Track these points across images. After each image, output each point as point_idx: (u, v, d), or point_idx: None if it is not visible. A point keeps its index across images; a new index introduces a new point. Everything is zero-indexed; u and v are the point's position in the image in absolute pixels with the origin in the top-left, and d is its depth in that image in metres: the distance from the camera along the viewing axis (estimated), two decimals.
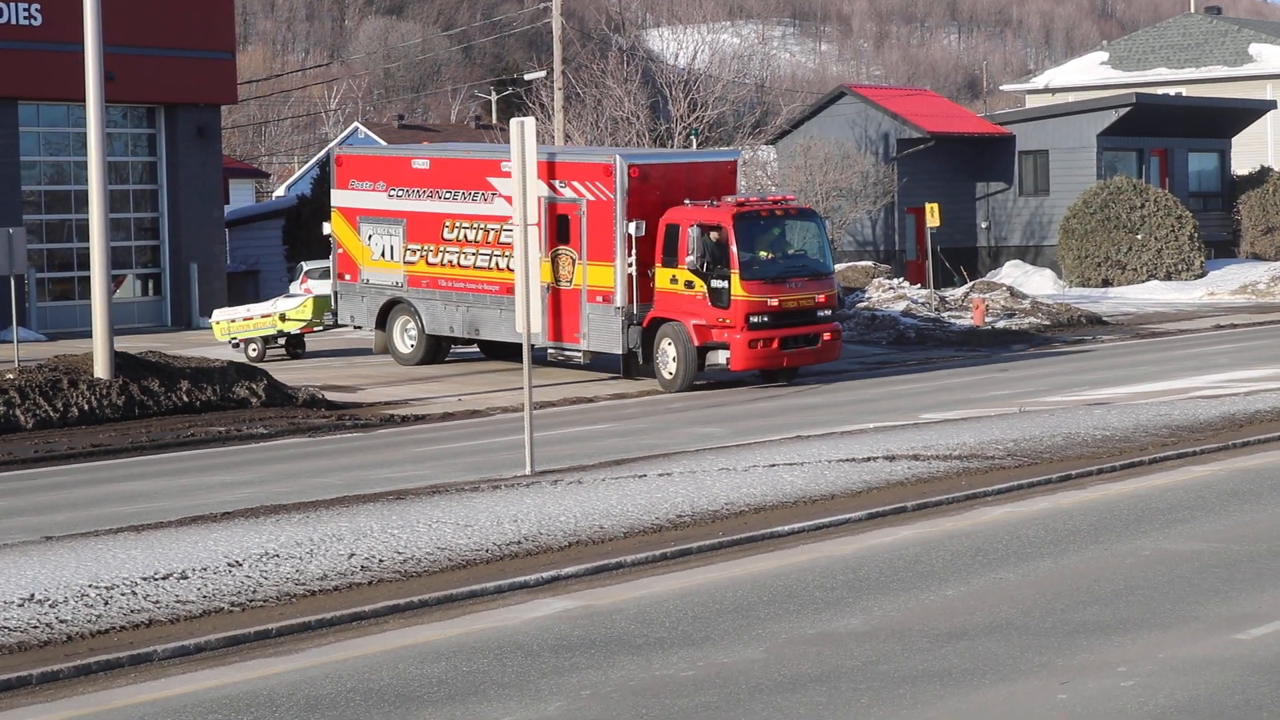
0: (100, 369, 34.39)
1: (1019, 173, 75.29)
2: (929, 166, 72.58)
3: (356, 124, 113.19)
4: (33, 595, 16.30)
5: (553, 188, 39.43)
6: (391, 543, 18.76)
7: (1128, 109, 73.07)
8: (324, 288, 59.30)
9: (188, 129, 58.07)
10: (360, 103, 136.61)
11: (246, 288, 68.71)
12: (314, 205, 70.09)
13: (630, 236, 38.36)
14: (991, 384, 36.86)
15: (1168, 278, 67.41)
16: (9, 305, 42.43)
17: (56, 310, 54.31)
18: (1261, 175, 76.78)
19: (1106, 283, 67.81)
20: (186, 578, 17.09)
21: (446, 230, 42.22)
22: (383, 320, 43.87)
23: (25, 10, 53.44)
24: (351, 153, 48.33)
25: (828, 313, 39.28)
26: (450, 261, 42.29)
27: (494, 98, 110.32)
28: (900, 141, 73.09)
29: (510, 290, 37.59)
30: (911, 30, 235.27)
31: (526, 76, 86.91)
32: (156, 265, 58.19)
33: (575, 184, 39.58)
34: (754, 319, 37.78)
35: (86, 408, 33.53)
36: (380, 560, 18.02)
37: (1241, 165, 78.74)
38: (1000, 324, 51.42)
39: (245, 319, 46.02)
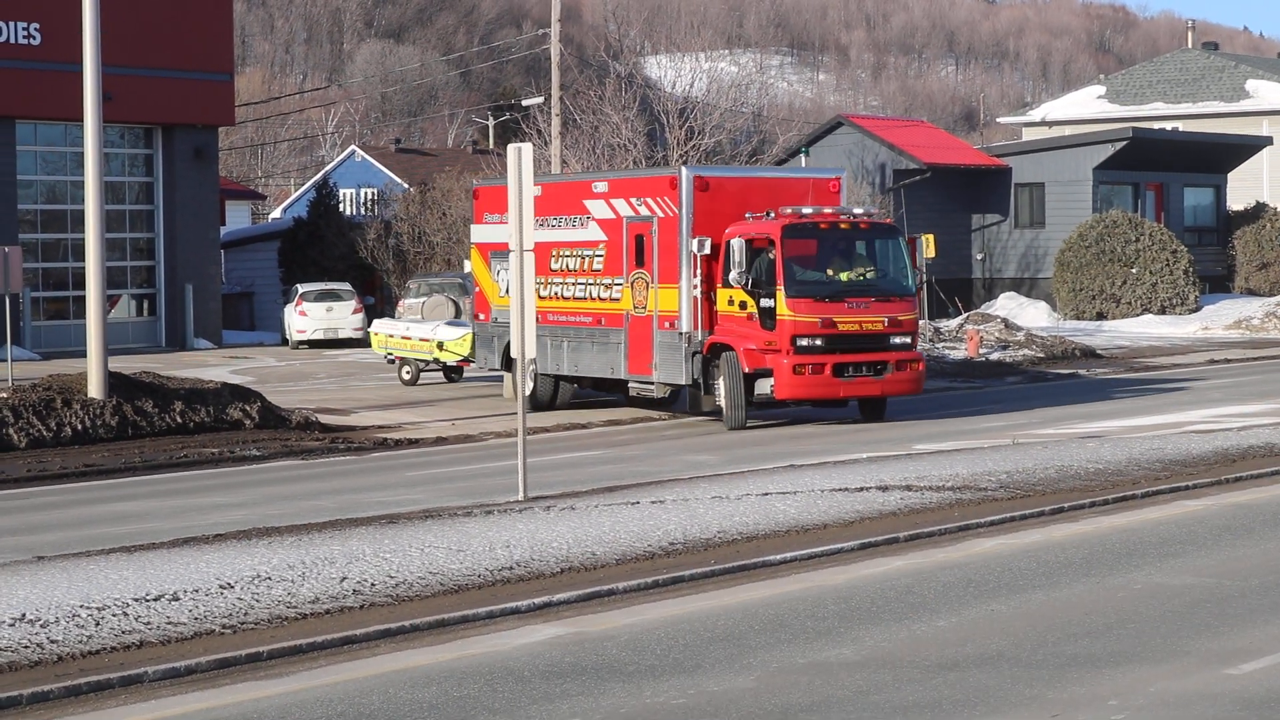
0: (94, 389, 34.40)
1: (1015, 205, 75.38)
2: (925, 197, 72.66)
3: (354, 147, 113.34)
4: (24, 615, 16.29)
5: (631, 205, 37.08)
6: (384, 566, 18.75)
7: (1124, 143, 73.18)
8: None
9: (185, 150, 58.20)
10: (358, 126, 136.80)
11: (241, 310, 68.80)
12: (310, 228, 70.24)
13: (695, 255, 35.21)
14: (985, 416, 36.85)
15: (1162, 312, 67.49)
16: (4, 324, 42.45)
17: (51, 329, 54.39)
18: (1257, 211, 76.96)
19: (1101, 316, 67.88)
20: (178, 599, 17.07)
21: (553, 260, 38.70)
22: (508, 360, 38.28)
23: (24, 29, 53.56)
24: (487, 184, 43.77)
25: (903, 339, 35.36)
26: (555, 294, 38.89)
27: (491, 123, 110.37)
28: (897, 172, 73.19)
29: (601, 321, 37.33)
30: (909, 61, 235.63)
31: (524, 102, 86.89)
32: (152, 286, 58.30)
33: (649, 200, 36.64)
34: (802, 342, 34.40)
35: (80, 427, 33.54)
36: (372, 584, 18.00)
37: (1237, 201, 78.87)
38: (994, 356, 51.43)
39: (404, 338, 45.14)
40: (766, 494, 23.71)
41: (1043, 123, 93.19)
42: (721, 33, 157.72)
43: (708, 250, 35.12)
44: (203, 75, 58.36)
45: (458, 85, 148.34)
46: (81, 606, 16.66)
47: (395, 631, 16.28)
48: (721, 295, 35.17)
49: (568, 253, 38.47)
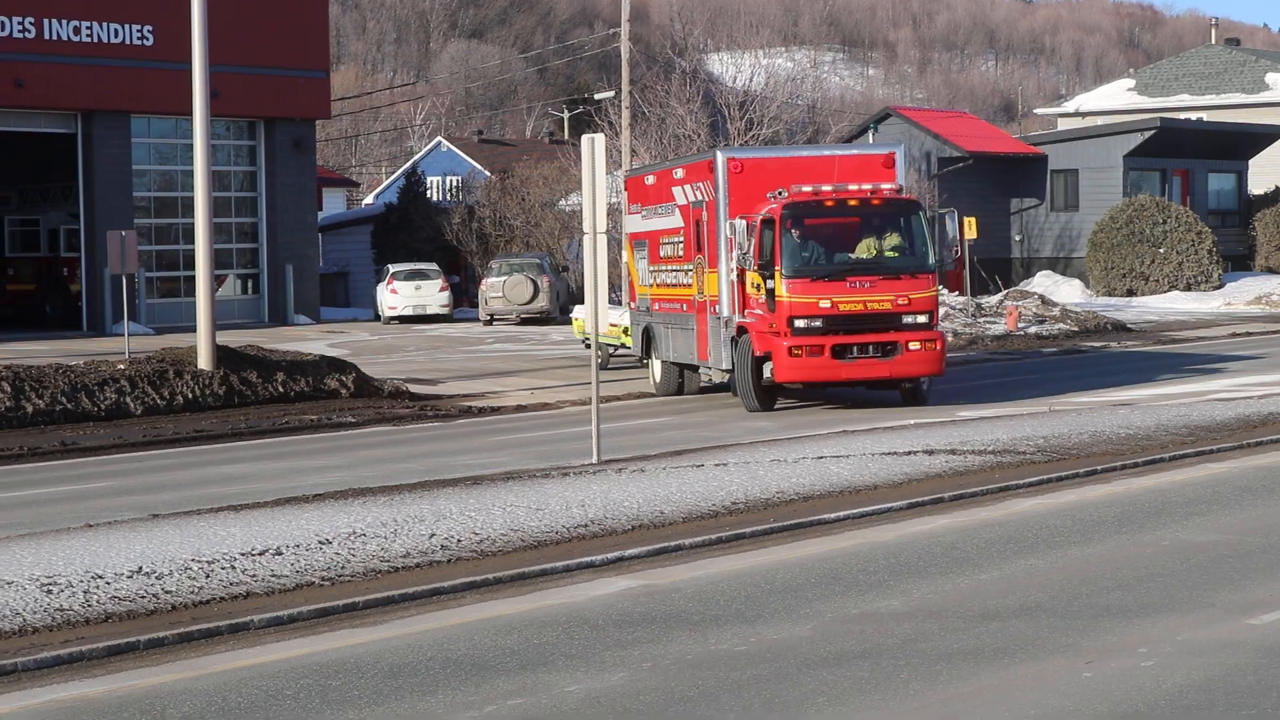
0: (203, 361, 34.56)
1: (1050, 190, 75.14)
2: (967, 183, 72.49)
3: (440, 138, 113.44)
4: (140, 568, 16.37)
5: (693, 191, 34.74)
6: (469, 524, 18.78)
7: (1152, 132, 72.91)
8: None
9: (285, 141, 58.34)
10: (443, 119, 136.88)
11: (337, 288, 68.98)
12: (400, 213, 70.38)
13: (730, 239, 32.30)
14: (1023, 385, 36.70)
15: (1188, 289, 67.22)
16: (121, 301, 42.66)
17: (164, 307, 54.64)
18: (1276, 195, 76.61)
19: (1131, 293, 67.63)
20: (281, 554, 17.14)
21: (660, 247, 36.96)
22: (647, 346, 37.69)
23: (139, 31, 53.78)
24: (634, 174, 41.26)
25: (919, 318, 31.81)
26: (662, 281, 36.94)
27: (566, 115, 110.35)
28: (941, 159, 73.02)
29: (684, 306, 35.28)
30: (952, 57, 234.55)
31: (596, 96, 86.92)
32: (255, 266, 58.49)
33: (702, 185, 34.22)
34: (799, 323, 31.27)
35: (190, 396, 33.69)
36: (458, 540, 18.03)
37: (1257, 185, 78.52)
38: (1032, 329, 51.23)
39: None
40: (821, 457, 23.67)
41: (1076, 113, 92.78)
42: (778, 31, 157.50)
43: (737, 234, 32.07)
44: (301, 73, 58.47)
45: (535, 81, 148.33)
46: (193, 560, 16.74)
47: (479, 584, 16.31)
48: (750, 279, 32.15)
49: (666, 240, 36.66)
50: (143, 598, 15.42)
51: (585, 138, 25.38)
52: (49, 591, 15.49)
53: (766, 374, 31.77)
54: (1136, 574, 16.10)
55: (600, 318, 24.85)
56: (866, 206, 32.32)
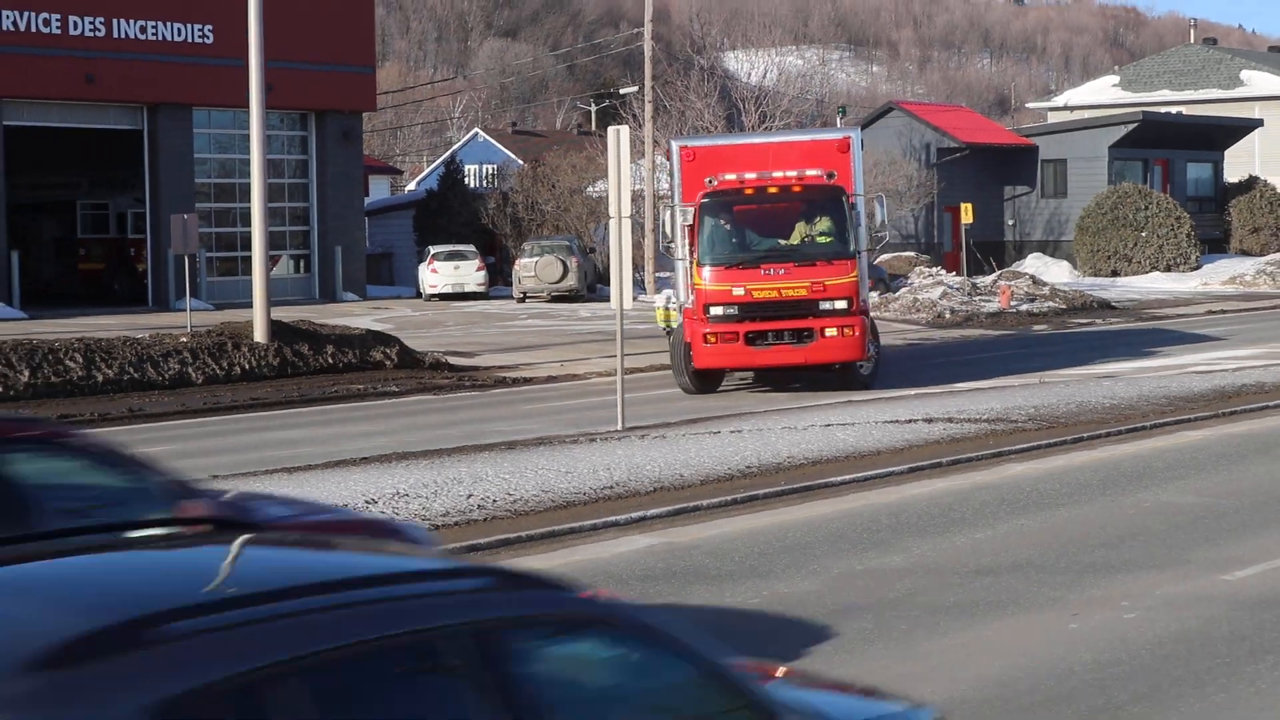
0: (259, 334, 34.59)
1: (1041, 178, 75.05)
2: (964, 172, 72.39)
3: (476, 129, 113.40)
4: None
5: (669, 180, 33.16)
6: (504, 485, 18.80)
7: (1135, 125, 72.81)
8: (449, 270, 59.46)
9: (334, 132, 58.36)
10: (480, 112, 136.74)
11: (382, 268, 68.99)
12: (440, 199, 70.38)
13: (683, 227, 30.63)
14: (1014, 359, 36.65)
15: (1168, 269, 67.13)
16: (184, 279, 42.71)
17: (223, 284, 54.68)
18: (1250, 183, 76.47)
19: (1115, 273, 67.57)
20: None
21: None
22: None
23: (199, 30, 53.79)
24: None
25: (837, 304, 29.44)
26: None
27: (593, 109, 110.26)
28: (940, 150, 72.90)
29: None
30: (950, 55, 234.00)
31: (621, 91, 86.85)
32: (306, 247, 58.52)
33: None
34: (715, 310, 29.38)
35: (247, 367, 33.72)
36: (494, 500, 18.05)
37: (1232, 174, 78.38)
38: (1024, 307, 51.14)
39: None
40: (829, 425, 23.68)
41: (1065, 107, 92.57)
42: (790, 31, 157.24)
43: (690, 221, 30.43)
44: (349, 68, 58.44)
45: (564, 76, 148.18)
46: None
47: (513, 540, 16.33)
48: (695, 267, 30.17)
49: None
50: None
51: (611, 129, 25.35)
52: None
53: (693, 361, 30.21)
54: (1119, 533, 16.10)
55: (626, 296, 24.81)
56: (787, 194, 30.40)
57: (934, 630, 12.39)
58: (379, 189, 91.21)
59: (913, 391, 29.31)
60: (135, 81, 52.67)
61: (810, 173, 30.43)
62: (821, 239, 30.07)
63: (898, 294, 52.02)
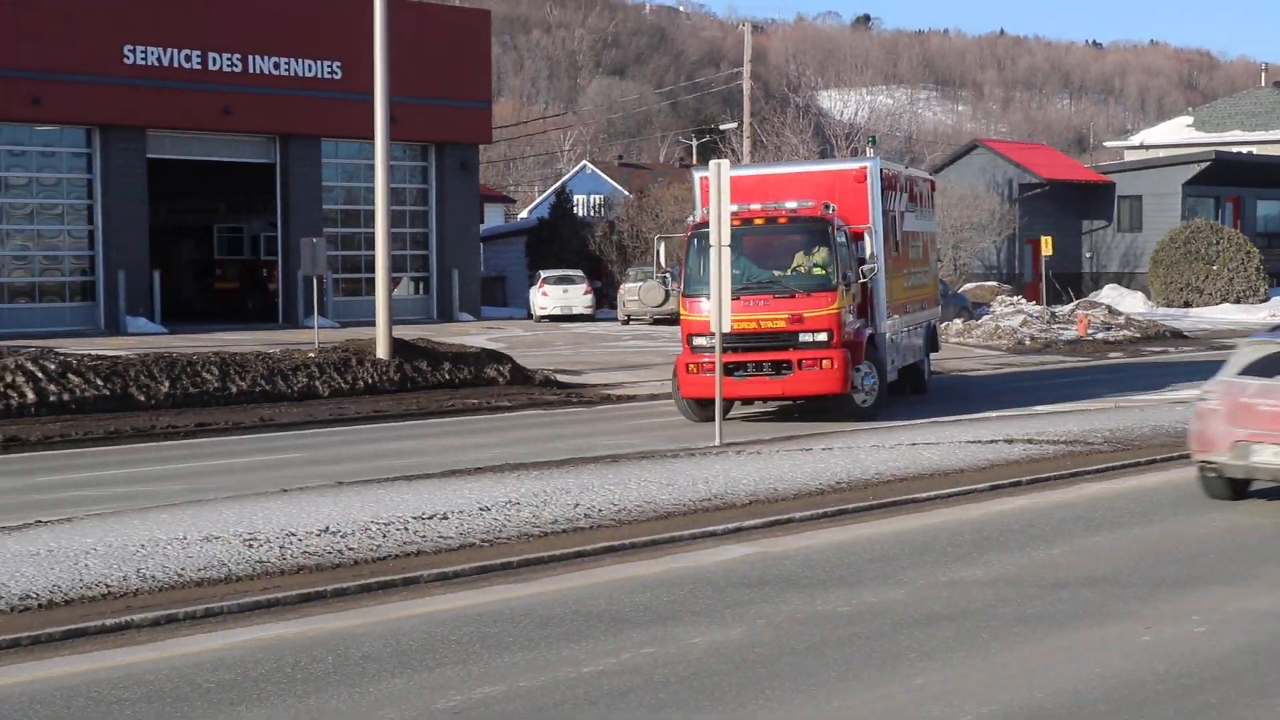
0: (381, 351, 34.82)
1: (1117, 213, 74.54)
2: (1044, 206, 72.00)
3: (585, 162, 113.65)
4: (327, 528, 16.54)
5: None
6: (608, 496, 18.83)
7: (1208, 164, 72.24)
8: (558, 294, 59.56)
9: (453, 163, 58.71)
10: (588, 145, 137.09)
11: (496, 290, 69.32)
12: (550, 226, 70.69)
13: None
14: (1091, 384, 36.36)
15: (1237, 301, 66.51)
16: (312, 299, 43.05)
17: (348, 304, 55.12)
18: None
19: (1187, 304, 66.98)
20: (447, 518, 17.25)
21: None
22: None
23: (329, 66, 54.29)
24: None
25: (817, 336, 27.88)
26: None
27: (694, 143, 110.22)
28: (1021, 185, 72.55)
29: None
30: (1032, 95, 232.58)
31: (721, 127, 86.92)
32: (426, 270, 58.88)
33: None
34: (697, 340, 28.09)
35: (369, 381, 33.94)
36: (599, 510, 18.09)
37: None
38: (1100, 335, 50.75)
39: None
40: (915, 444, 23.57)
41: (1141, 146, 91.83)
42: (880, 71, 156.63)
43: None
44: (467, 103, 58.78)
45: (668, 113, 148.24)
46: (372, 522, 16.89)
47: (617, 548, 16.35)
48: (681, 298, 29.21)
49: None
50: (329, 553, 15.59)
51: (712, 163, 25.33)
52: (250, 545, 15.68)
53: None
54: (1191, 550, 15.96)
55: (725, 319, 24.78)
56: (773, 225, 28.67)
57: (1013, 640, 12.33)
58: (493, 216, 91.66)
59: (994, 414, 29.13)
60: (269, 114, 53.19)
61: (802, 204, 28.68)
62: (803, 271, 28.30)
63: (980, 321, 51.75)
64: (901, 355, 31.83)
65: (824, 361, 27.78)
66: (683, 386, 28.72)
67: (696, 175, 30.82)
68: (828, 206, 28.77)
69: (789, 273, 28.40)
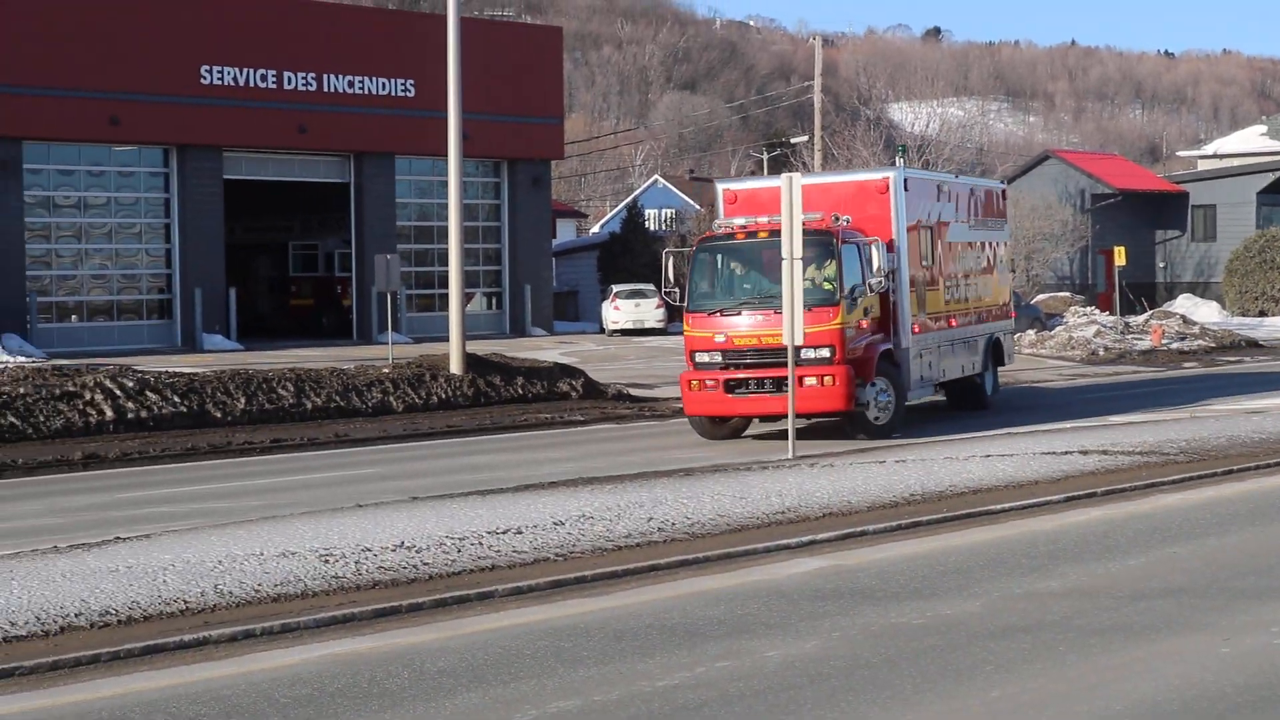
0: (455, 366, 34.93)
1: (1191, 222, 73.98)
2: (1117, 216, 71.56)
3: (656, 176, 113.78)
4: (402, 543, 16.56)
5: None
6: (681, 509, 18.79)
7: None
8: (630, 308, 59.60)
9: (525, 179, 58.86)
10: (659, 159, 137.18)
11: (568, 304, 69.38)
12: (622, 241, 70.70)
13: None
14: (1166, 394, 36.08)
15: None
16: (386, 315, 43.22)
17: (421, 319, 55.31)
18: None
19: (1263, 314, 66.38)
20: (521, 532, 17.25)
21: None
22: None
23: (402, 85, 54.57)
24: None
25: (820, 352, 26.94)
26: None
27: (765, 157, 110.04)
28: (1094, 196, 72.14)
29: None
30: (1104, 105, 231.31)
31: (792, 140, 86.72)
32: (498, 285, 59.02)
33: None
34: (700, 357, 27.66)
35: (443, 396, 34.05)
36: (673, 523, 18.05)
37: None
38: (1174, 345, 50.39)
39: None
40: (988, 456, 23.43)
41: (1214, 155, 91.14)
42: (951, 83, 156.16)
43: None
44: (539, 119, 58.93)
45: (738, 126, 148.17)
46: (446, 537, 16.90)
47: (691, 562, 16.30)
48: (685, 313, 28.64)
49: None
50: (404, 568, 15.61)
51: (784, 176, 25.26)
52: (326, 561, 15.73)
53: None
54: (1269, 561, 15.79)
55: (797, 332, 24.70)
56: (777, 239, 26.21)
57: (1089, 651, 12.22)
58: (565, 231, 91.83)
59: (1069, 424, 28.94)
60: (343, 132, 53.50)
61: (809, 217, 26.42)
62: (806, 285, 26.43)
63: (1053, 332, 51.42)
64: (940, 370, 30.81)
65: (826, 378, 27.01)
66: (686, 404, 28.34)
67: (719, 187, 30.86)
68: (836, 218, 27.90)
69: (805, 286, 26.60)
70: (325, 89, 53.18)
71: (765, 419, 29.06)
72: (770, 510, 18.91)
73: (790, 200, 24.54)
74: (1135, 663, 11.88)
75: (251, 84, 51.49)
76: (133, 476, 25.75)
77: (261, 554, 15.98)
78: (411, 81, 54.50)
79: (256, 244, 62.10)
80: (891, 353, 28.52)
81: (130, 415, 30.79)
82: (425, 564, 15.78)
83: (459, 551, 16.31)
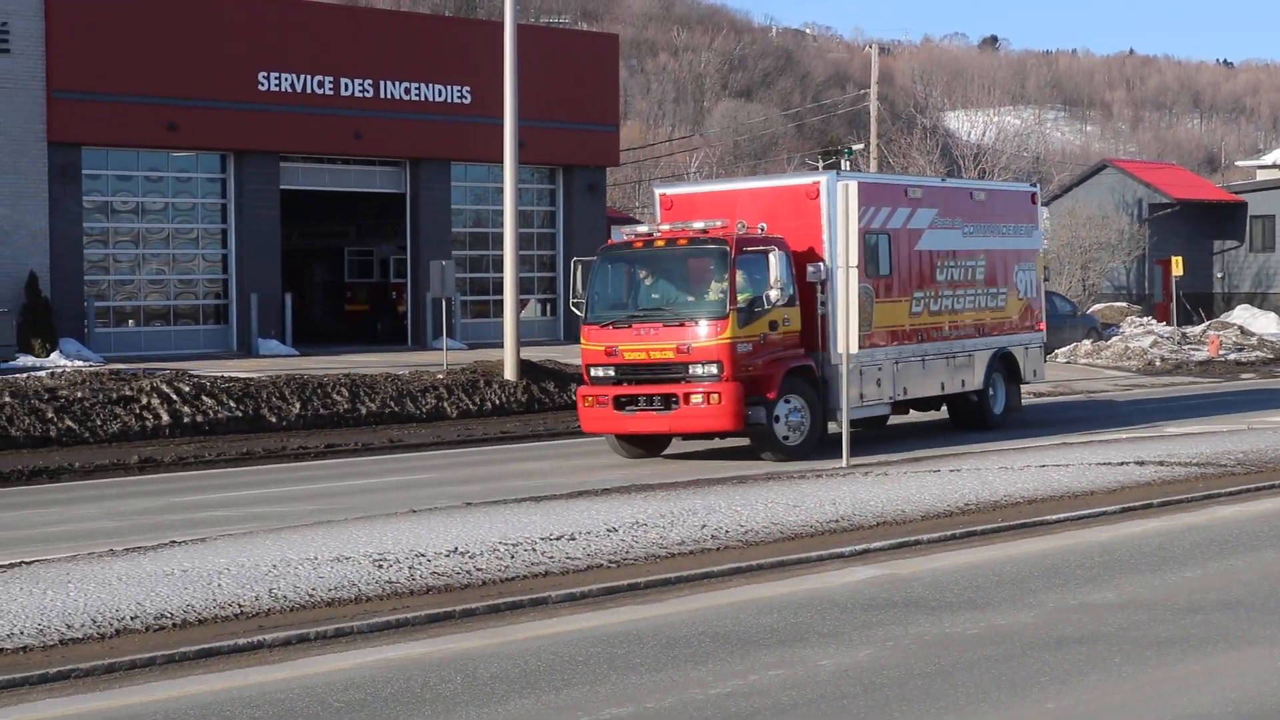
0: (509, 372, 34.99)
1: (1249, 233, 73.48)
2: (1174, 226, 71.14)
3: None
4: (456, 548, 16.60)
5: None
6: (735, 517, 18.78)
7: None
8: None
9: (580, 185, 58.90)
10: (714, 167, 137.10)
11: None
12: None
13: None
14: (1222, 405, 35.84)
15: None
16: (440, 321, 43.31)
17: (475, 325, 55.35)
18: None
19: None
20: (574, 539, 17.27)
21: None
22: None
23: (458, 91, 54.64)
24: None
25: (708, 368, 25.52)
26: None
27: (820, 165, 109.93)
28: (1151, 205, 71.74)
29: None
30: (1161, 115, 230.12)
31: (848, 148, 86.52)
32: (553, 292, 59.03)
33: None
34: (595, 371, 26.52)
35: (497, 402, 34.12)
36: (726, 531, 18.04)
37: None
38: (1231, 356, 50.04)
39: None
40: (1044, 466, 23.33)
41: (1274, 165, 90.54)
42: (1007, 92, 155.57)
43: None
44: (594, 127, 58.94)
45: (794, 134, 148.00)
46: (500, 543, 16.93)
47: (744, 569, 16.29)
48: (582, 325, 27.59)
49: None
50: (458, 574, 15.64)
51: (840, 184, 25.17)
52: (380, 566, 15.77)
53: None
54: None
55: (852, 341, 24.61)
56: (673, 248, 26.30)
57: (1145, 664, 12.14)
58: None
59: (1124, 435, 28.79)
60: (399, 138, 53.62)
61: (710, 224, 26.38)
62: (696, 297, 26.11)
63: (1109, 342, 51.16)
64: (899, 388, 28.68)
65: (712, 395, 25.46)
66: (582, 421, 27.11)
67: (656, 191, 29.65)
68: (743, 226, 26.75)
69: (677, 299, 26.42)
70: (381, 95, 53.30)
71: (650, 439, 27.28)
72: (824, 518, 18.87)
73: (845, 208, 24.45)
74: (1191, 676, 11.80)
75: (308, 90, 51.67)
76: (188, 480, 25.89)
77: (316, 558, 16.04)
78: (467, 88, 54.60)
79: (312, 250, 62.33)
80: (811, 369, 26.71)
81: (186, 419, 30.95)
82: (479, 569, 15.81)
83: (512, 557, 16.33)
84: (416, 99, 54.16)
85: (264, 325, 50.19)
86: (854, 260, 24.33)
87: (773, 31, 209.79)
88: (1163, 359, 48.46)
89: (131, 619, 13.72)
